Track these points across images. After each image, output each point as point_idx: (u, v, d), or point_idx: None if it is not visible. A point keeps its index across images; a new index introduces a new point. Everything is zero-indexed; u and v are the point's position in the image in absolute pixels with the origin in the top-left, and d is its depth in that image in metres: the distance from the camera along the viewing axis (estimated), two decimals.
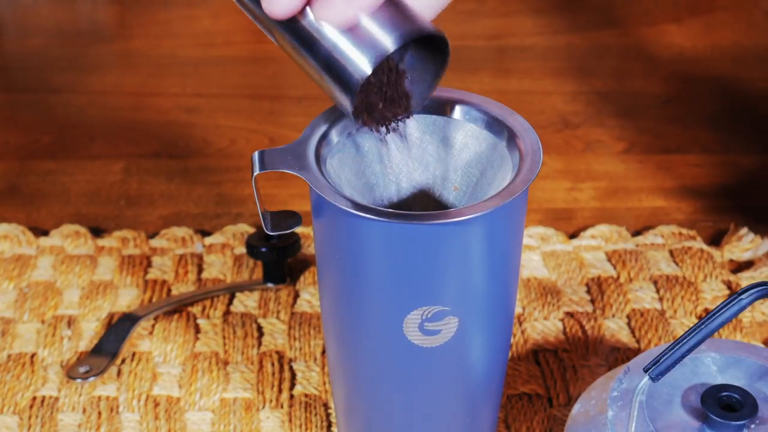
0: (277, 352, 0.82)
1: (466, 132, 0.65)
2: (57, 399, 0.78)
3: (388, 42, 0.57)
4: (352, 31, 0.57)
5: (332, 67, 0.57)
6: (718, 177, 1.00)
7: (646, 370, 0.61)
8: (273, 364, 0.81)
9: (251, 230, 0.93)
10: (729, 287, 0.87)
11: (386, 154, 0.65)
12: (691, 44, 1.18)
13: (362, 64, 0.57)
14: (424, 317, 0.61)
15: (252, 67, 1.15)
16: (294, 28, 0.58)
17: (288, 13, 0.56)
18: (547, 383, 0.79)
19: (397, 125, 0.62)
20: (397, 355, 0.63)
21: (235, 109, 1.09)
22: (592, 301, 0.86)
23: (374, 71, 0.57)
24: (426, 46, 0.60)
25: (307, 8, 0.57)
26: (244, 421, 0.77)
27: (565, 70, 1.14)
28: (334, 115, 0.63)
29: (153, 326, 0.84)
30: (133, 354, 0.82)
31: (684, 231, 0.92)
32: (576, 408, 0.68)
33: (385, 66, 0.59)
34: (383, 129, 0.62)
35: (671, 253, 0.90)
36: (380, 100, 0.60)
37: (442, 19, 0.61)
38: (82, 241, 0.91)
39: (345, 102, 0.58)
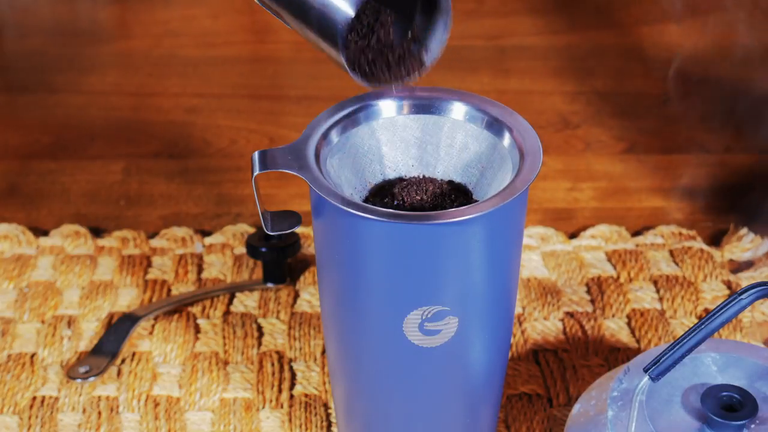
0: (277, 352, 0.82)
1: (466, 132, 0.65)
2: (57, 399, 0.78)
3: None
4: None
5: (315, 15, 0.55)
6: (718, 177, 1.00)
7: (646, 370, 0.61)
8: (273, 364, 0.81)
9: (251, 230, 0.93)
10: (729, 287, 0.87)
11: (386, 154, 0.65)
12: (691, 44, 1.18)
13: (344, 7, 0.55)
14: (424, 317, 0.61)
15: (252, 67, 1.15)
16: None
17: None
18: (547, 383, 0.79)
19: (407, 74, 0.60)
20: (397, 355, 0.63)
21: (235, 109, 1.09)
22: (592, 301, 0.86)
23: (359, 15, 0.55)
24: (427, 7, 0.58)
25: None
26: (244, 421, 0.77)
27: (565, 70, 1.14)
28: (334, 115, 0.63)
29: (153, 326, 0.84)
30: (133, 354, 0.82)
31: (684, 231, 0.92)
32: (576, 408, 0.68)
33: (370, 7, 0.58)
34: (390, 78, 0.60)
35: (671, 253, 0.90)
36: (371, 44, 0.58)
37: None
38: (82, 241, 0.91)
39: (334, 50, 0.56)
